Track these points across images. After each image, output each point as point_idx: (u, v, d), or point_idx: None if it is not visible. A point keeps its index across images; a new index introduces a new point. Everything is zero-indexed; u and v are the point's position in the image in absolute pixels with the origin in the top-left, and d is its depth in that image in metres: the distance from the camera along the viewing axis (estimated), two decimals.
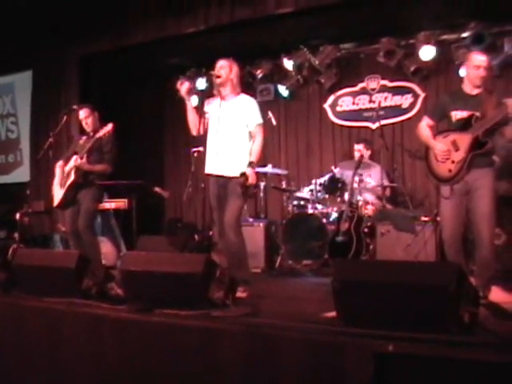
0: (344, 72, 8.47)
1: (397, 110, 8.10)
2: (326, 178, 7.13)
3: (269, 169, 7.45)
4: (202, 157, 5.11)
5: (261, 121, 4.92)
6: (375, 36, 7.84)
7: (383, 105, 8.05)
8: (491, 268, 4.36)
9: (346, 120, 8.55)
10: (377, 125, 7.71)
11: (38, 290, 4.35)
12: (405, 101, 8.07)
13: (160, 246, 6.22)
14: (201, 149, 5.15)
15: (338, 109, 8.60)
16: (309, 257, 6.77)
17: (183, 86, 4.97)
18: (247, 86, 8.15)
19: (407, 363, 2.78)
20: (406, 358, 2.78)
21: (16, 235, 7.67)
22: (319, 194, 7.06)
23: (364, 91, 8.39)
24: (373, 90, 8.30)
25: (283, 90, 8.79)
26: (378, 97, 8.22)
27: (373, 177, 7.11)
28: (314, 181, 7.14)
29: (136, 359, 3.66)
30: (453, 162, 4.40)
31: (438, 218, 5.99)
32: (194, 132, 5.00)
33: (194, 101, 5.50)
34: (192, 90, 5.11)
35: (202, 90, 7.22)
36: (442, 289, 2.94)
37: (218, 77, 4.91)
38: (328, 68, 8.31)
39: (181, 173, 9.49)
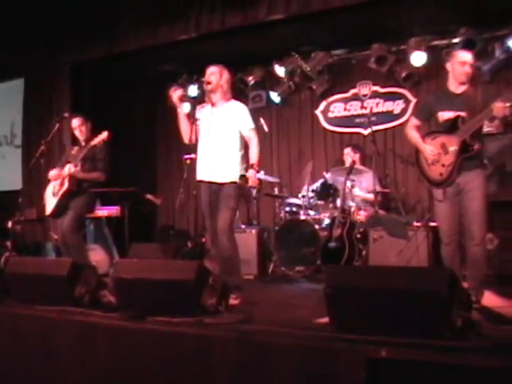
0: (336, 78, 8.48)
1: (388, 116, 8.11)
2: (318, 183, 7.12)
3: (261, 175, 7.44)
4: (194, 164, 5.10)
5: (253, 125, 4.95)
6: (366, 42, 7.86)
7: (375, 111, 8.03)
8: (483, 269, 4.37)
9: (338, 126, 8.55)
10: (369, 131, 7.71)
11: (30, 298, 4.34)
12: (396, 107, 8.08)
13: (152, 254, 6.19)
14: (193, 156, 5.15)
15: (330, 115, 8.60)
16: (301, 263, 6.76)
17: (176, 93, 4.97)
18: (239, 92, 8.17)
19: (400, 368, 2.78)
20: (399, 364, 2.78)
21: (8, 243, 7.62)
22: (311, 200, 7.06)
23: (356, 97, 8.40)
24: (364, 95, 8.31)
25: (275, 97, 8.79)
26: (369, 103, 8.22)
27: (364, 182, 7.13)
28: (305, 187, 7.12)
29: (129, 367, 3.64)
30: (443, 165, 4.42)
31: (431, 224, 6.02)
32: (185, 140, 5.00)
33: (185, 108, 5.51)
34: (184, 97, 5.10)
35: (193, 97, 7.21)
36: (434, 294, 2.94)
37: (209, 83, 4.93)
38: (320, 74, 8.32)
39: (173, 180, 9.47)
